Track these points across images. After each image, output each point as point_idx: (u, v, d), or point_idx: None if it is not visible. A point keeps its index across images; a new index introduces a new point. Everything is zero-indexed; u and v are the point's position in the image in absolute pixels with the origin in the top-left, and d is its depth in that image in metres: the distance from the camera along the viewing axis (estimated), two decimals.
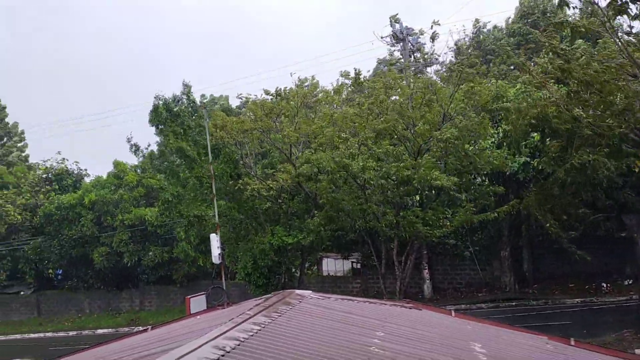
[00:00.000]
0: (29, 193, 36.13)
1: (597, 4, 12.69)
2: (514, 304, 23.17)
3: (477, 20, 37.58)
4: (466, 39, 37.33)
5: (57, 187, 36.68)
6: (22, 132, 47.56)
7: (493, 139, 21.39)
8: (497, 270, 25.79)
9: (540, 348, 6.38)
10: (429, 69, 32.30)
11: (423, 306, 8.47)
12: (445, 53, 33.84)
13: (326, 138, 19.04)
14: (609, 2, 11.26)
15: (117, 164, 34.08)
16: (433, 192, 19.64)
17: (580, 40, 18.09)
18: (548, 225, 19.19)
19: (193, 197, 21.18)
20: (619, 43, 13.21)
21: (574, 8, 13.00)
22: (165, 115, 22.05)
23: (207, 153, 20.07)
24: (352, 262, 29.43)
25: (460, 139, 18.10)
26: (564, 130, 16.21)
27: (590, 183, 18.85)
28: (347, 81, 24.10)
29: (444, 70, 29.06)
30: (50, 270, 34.16)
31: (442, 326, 6.92)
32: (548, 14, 31.88)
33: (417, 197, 20.91)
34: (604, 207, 21.63)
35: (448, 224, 19.21)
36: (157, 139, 29.67)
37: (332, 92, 24.14)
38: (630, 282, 22.97)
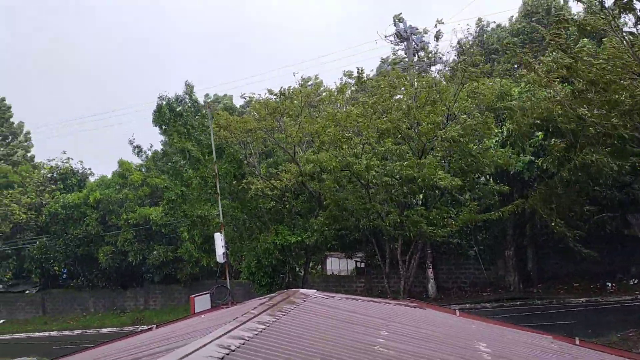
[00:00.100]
0: (34, 192, 36.29)
1: (602, 3, 12.65)
2: (518, 303, 23.12)
3: (480, 19, 37.52)
4: (470, 38, 37.22)
5: (61, 186, 36.85)
6: (28, 133, 47.72)
7: (497, 138, 21.34)
8: (502, 269, 25.75)
9: (545, 347, 6.37)
10: (432, 68, 32.23)
11: (427, 305, 8.47)
12: (447, 52, 33.75)
13: (329, 138, 19.02)
14: (615, 0, 11.22)
15: (122, 163, 34.19)
16: (437, 191, 19.60)
17: (586, 40, 18.04)
18: (553, 224, 19.12)
19: (197, 197, 21.22)
20: (625, 42, 13.16)
21: (582, 3, 12.93)
22: (169, 116, 22.09)
23: (210, 152, 20.09)
24: (356, 261, 29.43)
25: (464, 137, 18.06)
26: (569, 129, 16.15)
27: (595, 182, 18.78)
28: (350, 80, 24.08)
29: (447, 69, 28.98)
30: (57, 267, 34.27)
31: (447, 325, 6.92)
32: (552, 13, 31.77)
33: (421, 196, 20.88)
34: (609, 206, 21.56)
35: (452, 223, 19.15)
36: (160, 139, 29.83)
37: (336, 91, 24.13)
38: (635, 282, 22.89)
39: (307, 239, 20.11)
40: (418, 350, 5.03)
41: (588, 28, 12.84)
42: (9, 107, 47.32)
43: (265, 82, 70.63)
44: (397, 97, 20.38)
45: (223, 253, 18.70)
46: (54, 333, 31.24)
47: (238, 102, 39.70)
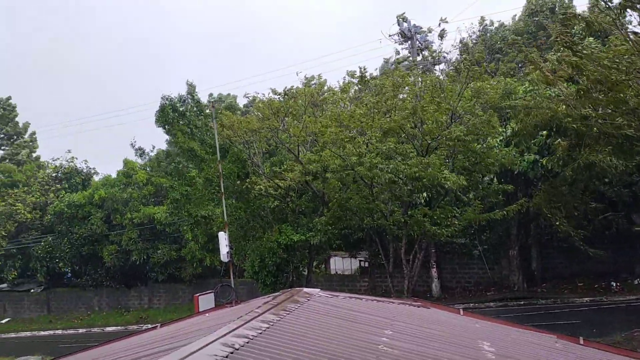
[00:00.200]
0: (39, 191, 36.45)
1: (606, 1, 12.60)
2: (522, 302, 23.07)
3: (482, 18, 37.43)
4: (473, 37, 37.14)
5: (66, 185, 36.99)
6: (34, 133, 47.87)
7: (501, 137, 21.29)
8: (506, 269, 25.70)
9: (549, 347, 6.36)
10: (436, 67, 32.18)
11: (431, 305, 8.47)
12: (449, 52, 33.57)
13: (330, 138, 19.00)
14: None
15: (126, 162, 34.29)
16: (441, 190, 19.56)
17: (591, 39, 17.98)
18: (557, 223, 19.07)
19: (200, 197, 21.26)
20: (630, 40, 13.10)
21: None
22: (173, 116, 22.14)
23: (214, 152, 20.12)
24: (360, 260, 29.43)
25: (469, 137, 18.03)
26: (573, 129, 16.10)
27: (600, 181, 18.72)
28: (353, 80, 24.06)
29: (451, 68, 28.93)
30: (62, 263, 34.39)
31: (451, 325, 6.91)
32: (557, 12, 31.65)
33: (425, 194, 20.85)
34: (614, 205, 21.49)
35: (456, 222, 19.12)
36: (163, 140, 29.89)
37: (339, 91, 24.10)
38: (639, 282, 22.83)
39: (310, 238, 20.13)
40: (422, 350, 5.03)
41: (595, 25, 12.77)
42: (14, 107, 47.50)
43: (266, 82, 70.89)
44: (401, 96, 20.35)
45: (227, 252, 18.72)
46: (59, 332, 31.37)
47: (242, 102, 39.81)
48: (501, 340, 6.25)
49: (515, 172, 21.65)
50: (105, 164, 64.69)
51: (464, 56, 26.22)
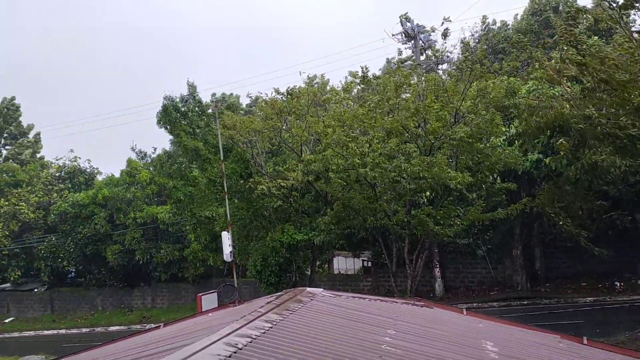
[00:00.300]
0: (42, 191, 36.53)
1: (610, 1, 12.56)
2: (525, 302, 23.04)
3: (484, 17, 37.34)
4: (475, 36, 37.06)
5: (69, 185, 37.08)
6: (38, 133, 48.02)
7: (505, 137, 21.24)
8: (509, 268, 25.65)
9: (553, 347, 6.34)
10: (440, 67, 32.13)
11: (434, 304, 8.45)
12: (450, 52, 33.50)
13: (331, 138, 18.98)
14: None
15: (130, 161, 34.35)
16: (444, 189, 19.53)
17: (596, 37, 17.92)
18: (561, 223, 19.01)
19: (203, 197, 21.28)
20: (634, 39, 13.06)
21: None
22: (175, 116, 22.17)
23: (217, 152, 20.14)
24: (363, 260, 29.42)
25: (472, 136, 17.99)
26: (577, 128, 16.04)
27: (603, 180, 18.65)
28: (356, 80, 24.06)
29: (453, 68, 28.88)
30: (66, 263, 34.49)
31: (454, 324, 6.90)
32: (561, 10, 31.57)
33: (427, 194, 20.82)
34: (618, 204, 21.41)
35: (458, 222, 19.08)
36: (166, 140, 29.91)
37: (342, 91, 24.10)
38: None
39: (313, 238, 20.13)
40: (425, 350, 5.02)
41: (602, 22, 12.73)
42: (18, 107, 47.65)
43: (267, 82, 70.86)
44: (404, 96, 20.31)
45: (230, 252, 18.75)
46: (63, 331, 31.46)
47: (245, 102, 39.85)
48: (504, 340, 6.24)
49: (519, 172, 21.59)
50: (106, 164, 65.03)
51: (465, 54, 26.17)
